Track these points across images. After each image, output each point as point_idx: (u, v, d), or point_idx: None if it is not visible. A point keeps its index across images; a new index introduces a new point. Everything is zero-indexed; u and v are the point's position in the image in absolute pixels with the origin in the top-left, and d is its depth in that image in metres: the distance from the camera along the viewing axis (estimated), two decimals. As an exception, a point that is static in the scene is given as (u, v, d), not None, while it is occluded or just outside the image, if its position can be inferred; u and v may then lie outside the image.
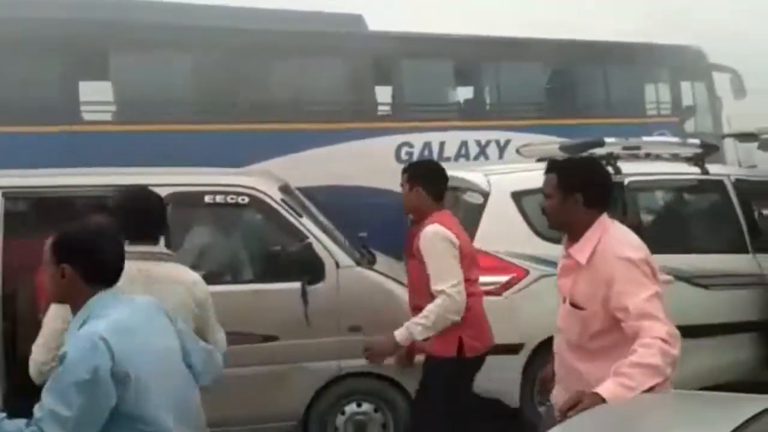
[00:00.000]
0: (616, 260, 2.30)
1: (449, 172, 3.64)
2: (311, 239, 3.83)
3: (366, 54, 8.03)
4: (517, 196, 4.42)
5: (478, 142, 8.38)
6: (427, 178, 3.35)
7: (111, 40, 7.23)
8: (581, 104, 8.94)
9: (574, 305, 2.43)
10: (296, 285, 3.75)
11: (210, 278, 3.67)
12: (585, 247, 2.40)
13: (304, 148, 7.59)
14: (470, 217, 4.45)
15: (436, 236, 3.14)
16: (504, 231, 4.35)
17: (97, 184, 3.91)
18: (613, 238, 2.38)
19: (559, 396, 2.53)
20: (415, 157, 8.08)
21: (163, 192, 3.13)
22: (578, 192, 2.41)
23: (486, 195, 4.44)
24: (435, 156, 8.09)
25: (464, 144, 8.33)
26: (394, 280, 4.24)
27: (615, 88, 9.07)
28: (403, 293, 4.05)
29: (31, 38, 6.82)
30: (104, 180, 3.93)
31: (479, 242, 4.21)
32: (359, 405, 4.06)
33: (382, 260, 4.60)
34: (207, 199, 3.94)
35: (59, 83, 7.06)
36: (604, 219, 2.45)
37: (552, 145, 5.08)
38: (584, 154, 4.33)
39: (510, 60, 8.68)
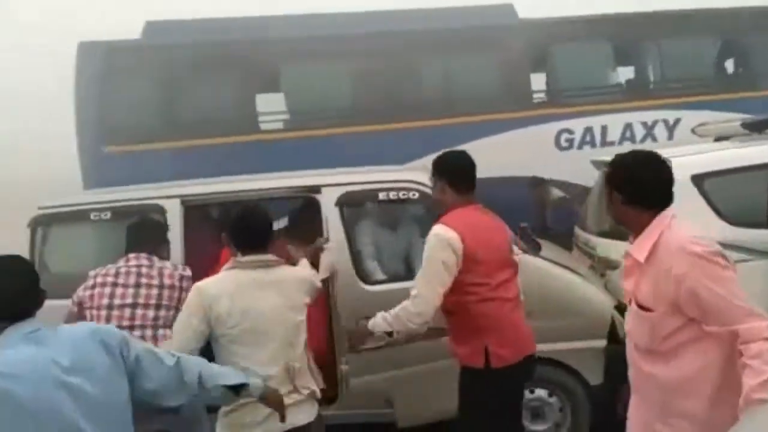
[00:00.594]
0: (685, 256, 2.20)
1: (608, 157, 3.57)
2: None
3: (520, 43, 7.98)
4: (698, 179, 4.24)
5: (644, 124, 8.00)
6: (452, 171, 3.13)
7: (281, 55, 7.77)
8: (756, 76, 8.22)
9: (639, 306, 2.33)
10: None
11: (390, 276, 3.92)
12: (644, 244, 2.31)
13: (462, 142, 7.69)
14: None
15: (434, 237, 2.94)
16: (686, 217, 4.17)
17: (275, 187, 4.26)
18: (677, 235, 2.28)
19: (635, 406, 2.44)
20: (575, 144, 7.92)
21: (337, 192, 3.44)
22: (617, 190, 2.39)
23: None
24: (597, 141, 7.89)
25: (629, 126, 7.98)
26: (562, 266, 4.28)
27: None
28: (571, 278, 4.07)
29: (212, 59, 7.53)
30: (282, 183, 4.30)
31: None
32: (532, 392, 4.13)
33: (549, 247, 4.64)
34: (381, 196, 4.15)
35: (238, 98, 7.71)
36: (665, 216, 2.34)
37: (732, 123, 4.78)
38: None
39: (675, 33, 8.20)
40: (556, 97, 8.20)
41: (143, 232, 3.59)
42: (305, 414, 2.77)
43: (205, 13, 7.96)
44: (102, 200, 4.13)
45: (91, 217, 4.01)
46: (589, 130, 7.98)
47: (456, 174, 3.11)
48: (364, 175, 4.41)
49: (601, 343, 4.07)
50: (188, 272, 3.48)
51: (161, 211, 4.02)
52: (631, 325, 2.41)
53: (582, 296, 4.12)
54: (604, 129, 7.98)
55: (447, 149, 7.87)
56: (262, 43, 7.64)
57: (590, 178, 6.77)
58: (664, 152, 4.89)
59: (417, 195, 4.13)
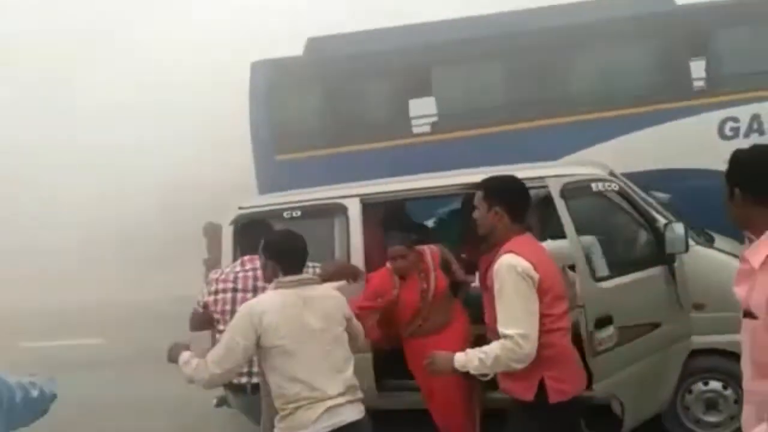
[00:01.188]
0: None
1: None
2: (660, 222, 3.99)
3: (678, 29, 7.73)
4: None
5: (818, 110, 7.45)
6: (511, 198, 2.93)
7: (432, 60, 8.08)
8: None
9: (747, 314, 2.15)
10: (659, 269, 3.93)
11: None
12: (760, 250, 2.11)
13: (619, 135, 7.62)
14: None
15: (510, 270, 2.73)
16: None
17: (445, 185, 4.55)
18: None
19: (745, 416, 2.27)
20: (741, 133, 7.55)
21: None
22: (740, 187, 2.17)
23: None
24: (766, 129, 7.47)
25: (800, 113, 7.47)
26: (736, 257, 4.19)
27: None
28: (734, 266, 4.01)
29: (367, 69, 8.01)
30: (452, 181, 4.58)
31: None
32: (706, 383, 4.13)
33: (721, 240, 4.56)
34: (594, 187, 4.09)
35: (392, 104, 8.15)
36: None
37: None
38: None
39: None
40: (718, 84, 7.84)
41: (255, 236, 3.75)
42: (353, 412, 2.97)
43: (361, 25, 8.44)
44: (293, 200, 4.65)
45: (284, 215, 4.54)
46: (756, 117, 7.56)
47: (516, 201, 2.94)
48: (549, 169, 4.38)
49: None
50: None
51: (343, 209, 4.47)
52: (742, 334, 2.25)
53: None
54: (773, 116, 7.52)
55: (602, 144, 7.84)
56: (413, 49, 8.00)
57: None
58: None
59: (617, 187, 4.14)
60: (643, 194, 4.27)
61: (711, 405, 4.12)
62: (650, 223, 4.03)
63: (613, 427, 3.87)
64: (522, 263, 2.74)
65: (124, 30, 12.38)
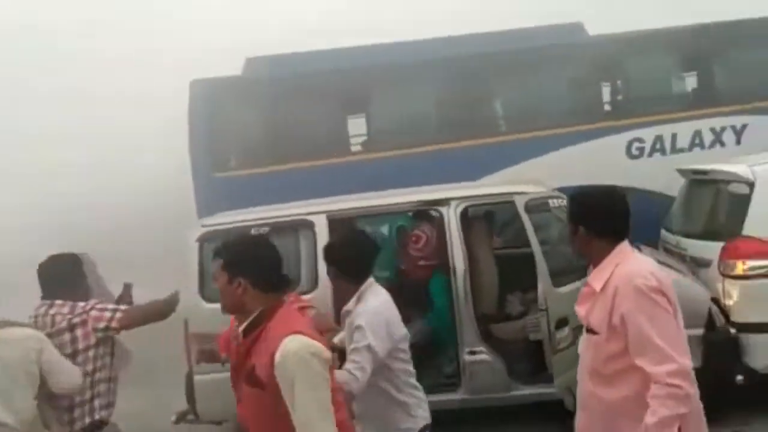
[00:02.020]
0: (628, 288, 2.34)
1: (710, 166, 4.01)
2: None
3: (590, 59, 8.46)
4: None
5: (713, 130, 8.35)
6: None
7: (366, 81, 8.43)
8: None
9: (590, 330, 2.49)
10: None
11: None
12: (602, 275, 2.45)
13: (537, 155, 8.21)
14: (735, 208, 4.84)
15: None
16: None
17: (407, 201, 4.90)
18: (628, 267, 2.41)
19: (582, 423, 2.58)
20: (646, 152, 8.33)
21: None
22: (582, 223, 2.52)
23: (751, 185, 4.77)
24: (667, 149, 8.28)
25: (698, 133, 8.35)
26: (665, 264, 4.81)
27: None
28: (673, 275, 4.60)
29: (305, 89, 8.26)
30: (412, 198, 4.92)
31: (748, 230, 4.63)
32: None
33: (646, 250, 5.15)
34: (551, 203, 4.65)
35: (329, 123, 8.42)
36: (624, 247, 2.49)
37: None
38: None
39: (738, 42, 8.55)
40: (625, 108, 8.63)
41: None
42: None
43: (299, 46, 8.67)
44: (258, 217, 4.84)
45: (252, 232, 4.71)
46: (659, 138, 8.36)
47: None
48: (491, 188, 4.96)
49: (700, 331, 4.58)
50: None
51: (310, 225, 4.71)
52: (582, 347, 2.57)
53: (681, 290, 4.61)
54: (674, 137, 8.36)
55: (520, 164, 8.41)
56: (349, 71, 8.32)
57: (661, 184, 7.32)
58: (748, 159, 5.39)
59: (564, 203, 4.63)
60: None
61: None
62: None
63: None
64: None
65: (63, 40, 11.99)
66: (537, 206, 4.55)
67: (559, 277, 4.27)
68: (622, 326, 2.34)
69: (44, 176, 11.94)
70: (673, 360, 2.26)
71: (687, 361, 2.31)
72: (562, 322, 4.09)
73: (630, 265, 2.42)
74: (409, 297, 4.67)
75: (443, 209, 4.72)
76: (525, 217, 4.34)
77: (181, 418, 4.96)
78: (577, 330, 4.17)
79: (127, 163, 11.65)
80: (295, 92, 8.28)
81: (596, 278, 2.47)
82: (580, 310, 2.55)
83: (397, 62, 8.25)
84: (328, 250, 3.18)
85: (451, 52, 8.39)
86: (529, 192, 4.56)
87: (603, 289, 2.42)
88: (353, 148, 8.67)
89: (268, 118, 8.43)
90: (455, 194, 4.79)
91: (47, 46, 11.84)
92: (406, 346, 3.03)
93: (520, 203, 4.40)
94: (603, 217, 2.52)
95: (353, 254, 3.05)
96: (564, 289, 4.25)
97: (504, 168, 8.00)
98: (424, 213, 5.24)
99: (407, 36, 8.68)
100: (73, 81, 11.64)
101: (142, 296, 3.87)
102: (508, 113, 8.82)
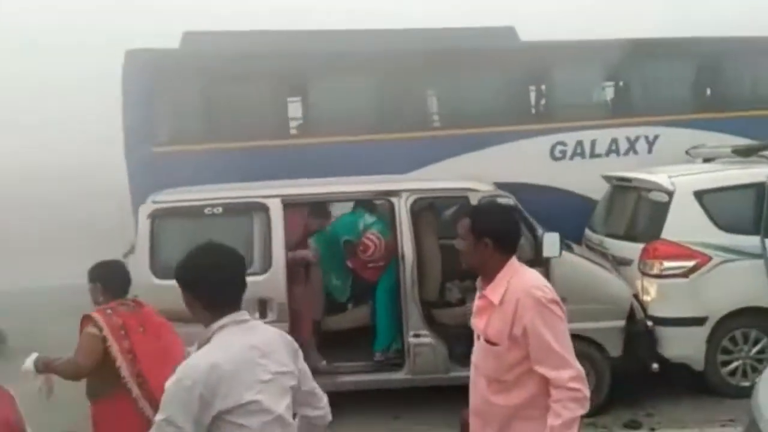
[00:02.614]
0: (528, 300, 2.46)
1: (633, 174, 4.42)
2: (539, 231, 4.86)
3: (520, 63, 8.88)
4: (699, 194, 5.26)
5: (628, 138, 8.97)
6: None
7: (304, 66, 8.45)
8: (727, 98, 9.29)
9: (488, 342, 2.57)
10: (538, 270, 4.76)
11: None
12: (498, 288, 2.54)
13: (465, 152, 8.54)
14: (655, 214, 5.34)
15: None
16: (688, 224, 5.21)
17: (359, 191, 5.08)
18: (523, 280, 2.54)
19: (475, 427, 2.69)
20: (568, 155, 8.85)
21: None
22: (488, 237, 2.57)
23: (671, 194, 5.28)
24: (587, 153, 8.84)
25: (614, 141, 8.96)
26: (593, 261, 5.25)
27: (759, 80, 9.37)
28: (600, 271, 5.03)
29: (244, 69, 8.21)
30: (366, 187, 5.10)
31: (666, 234, 5.14)
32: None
33: (577, 248, 5.58)
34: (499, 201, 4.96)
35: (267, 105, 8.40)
36: (514, 261, 2.60)
37: (723, 147, 5.82)
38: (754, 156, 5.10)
39: (655, 59, 9.18)
40: (551, 113, 9.13)
41: None
42: None
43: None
44: (211, 197, 4.87)
45: (206, 212, 4.74)
46: (580, 143, 8.91)
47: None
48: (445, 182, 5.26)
49: (622, 323, 5.07)
50: None
51: (265, 208, 4.79)
52: (479, 358, 2.64)
53: (607, 286, 5.08)
54: (593, 142, 8.93)
55: (451, 158, 8.73)
56: (288, 55, 8.33)
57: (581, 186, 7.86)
58: (668, 170, 5.93)
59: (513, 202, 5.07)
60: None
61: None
62: (532, 231, 4.90)
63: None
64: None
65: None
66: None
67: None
68: (524, 336, 2.44)
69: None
70: (571, 366, 2.43)
71: (581, 367, 2.48)
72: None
73: (524, 278, 2.55)
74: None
75: (395, 200, 4.93)
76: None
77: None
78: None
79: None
80: (233, 71, 8.18)
81: (493, 292, 2.54)
82: (479, 323, 2.62)
83: (336, 50, 8.32)
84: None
85: (389, 46, 8.57)
86: (480, 189, 4.85)
87: (501, 302, 2.51)
88: (291, 132, 8.68)
89: (205, 94, 8.29)
90: (408, 186, 5.01)
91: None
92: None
93: (474, 199, 4.68)
94: (509, 232, 2.63)
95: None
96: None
97: (433, 162, 8.26)
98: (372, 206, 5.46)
99: (351, 25, 8.79)
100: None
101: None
102: (440, 110, 9.11)
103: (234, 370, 2.02)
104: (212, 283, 2.11)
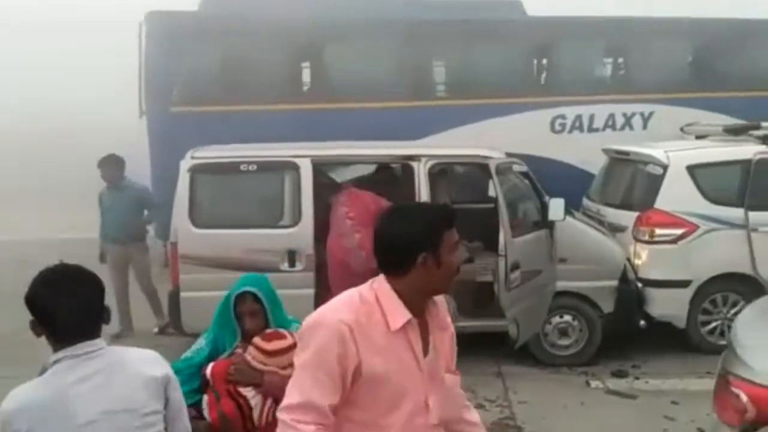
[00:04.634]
0: None
1: (631, 148, 4.92)
2: (545, 197, 5.33)
3: (525, 37, 9.22)
4: (691, 169, 5.75)
5: (624, 114, 9.37)
6: None
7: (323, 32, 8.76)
8: (721, 78, 9.66)
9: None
10: (544, 232, 5.28)
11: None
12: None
13: (469, 122, 8.89)
14: (650, 185, 5.83)
15: None
16: (679, 195, 5.70)
17: (385, 154, 5.49)
18: None
19: None
20: (567, 128, 9.26)
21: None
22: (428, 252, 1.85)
23: (665, 167, 5.76)
24: (585, 127, 9.24)
25: (612, 116, 9.36)
26: (591, 226, 5.77)
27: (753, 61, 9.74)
28: (597, 235, 5.52)
29: (260, 32, 8.49)
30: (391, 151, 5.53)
31: (660, 204, 5.64)
32: (561, 316, 5.65)
33: (577, 215, 6.07)
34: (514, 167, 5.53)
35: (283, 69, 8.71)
36: None
37: (715, 126, 6.29)
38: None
39: (653, 37, 9.50)
40: (553, 87, 9.50)
41: None
42: None
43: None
44: (246, 155, 5.27)
45: (241, 168, 5.16)
46: (579, 117, 9.30)
47: None
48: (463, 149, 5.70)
49: (615, 283, 5.59)
50: None
51: (296, 167, 5.21)
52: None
53: (604, 249, 5.60)
54: (591, 117, 9.32)
55: (459, 128, 9.09)
56: (306, 20, 8.60)
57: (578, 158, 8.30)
58: (663, 146, 6.36)
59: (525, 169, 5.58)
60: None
61: (563, 332, 5.61)
62: (539, 197, 5.37)
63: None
64: None
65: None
66: (504, 170, 5.30)
67: (513, 229, 5.09)
68: None
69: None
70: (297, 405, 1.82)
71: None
72: (514, 266, 4.92)
73: None
74: None
75: (414, 164, 5.36)
76: (495, 179, 5.07)
77: (162, 330, 5.44)
78: (525, 273, 5.02)
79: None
80: (250, 33, 8.45)
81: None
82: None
83: (349, 17, 8.59)
84: None
85: (400, 15, 8.85)
86: (494, 157, 5.30)
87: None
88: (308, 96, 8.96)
89: (221, 57, 8.58)
90: (427, 152, 5.44)
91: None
92: None
93: (492, 166, 5.13)
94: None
95: None
96: (518, 240, 5.07)
97: (438, 132, 8.62)
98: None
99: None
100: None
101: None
102: (447, 80, 9.47)
103: (43, 415, 1.79)
104: (52, 311, 1.85)
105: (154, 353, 2.06)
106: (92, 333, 1.90)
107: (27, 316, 1.89)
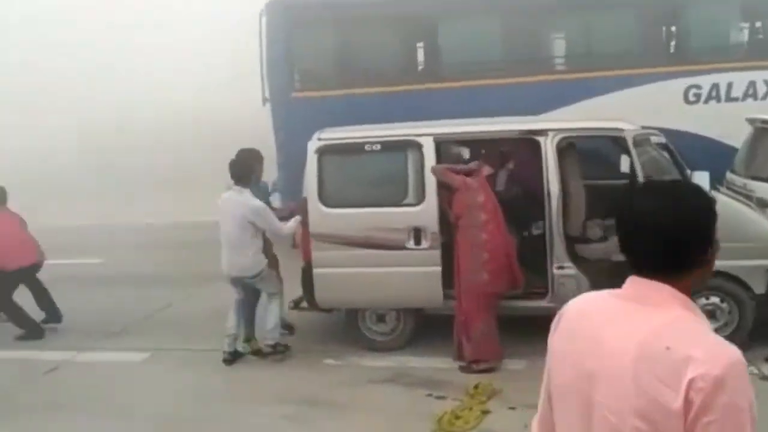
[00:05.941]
0: None
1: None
2: (687, 170, 4.96)
3: (653, 2, 8.65)
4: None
5: (766, 82, 8.60)
6: None
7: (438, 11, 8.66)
8: None
9: None
10: None
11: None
12: None
13: (598, 95, 8.51)
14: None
15: None
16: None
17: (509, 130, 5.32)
18: None
19: None
20: (702, 99, 8.61)
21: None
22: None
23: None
24: (722, 97, 8.57)
25: (752, 84, 8.61)
26: (740, 202, 5.31)
27: None
28: (747, 211, 5.07)
29: (377, 15, 8.50)
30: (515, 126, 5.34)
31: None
32: (707, 298, 5.22)
33: (722, 189, 5.62)
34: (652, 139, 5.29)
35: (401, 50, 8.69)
36: None
37: None
38: None
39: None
40: (686, 55, 8.86)
41: None
42: None
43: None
44: (370, 135, 5.29)
45: (366, 148, 5.18)
46: (715, 86, 8.62)
47: None
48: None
49: (766, 262, 5.09)
50: None
51: (419, 146, 5.16)
52: None
53: (754, 225, 5.13)
54: (729, 86, 8.61)
55: (587, 100, 8.70)
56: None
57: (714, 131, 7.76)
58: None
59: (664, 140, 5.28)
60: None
61: (711, 315, 5.20)
62: (681, 169, 5.00)
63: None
64: None
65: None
66: (641, 142, 4.98)
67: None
68: None
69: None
70: None
71: None
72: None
73: None
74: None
75: (541, 139, 5.15)
76: (633, 152, 4.78)
77: (296, 305, 5.61)
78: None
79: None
80: (366, 19, 8.52)
81: None
82: None
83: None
84: None
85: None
86: (628, 129, 4.98)
87: None
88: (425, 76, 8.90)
89: (339, 43, 8.73)
90: (554, 126, 5.21)
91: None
92: None
93: (629, 138, 4.84)
94: None
95: None
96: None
97: (565, 105, 8.30)
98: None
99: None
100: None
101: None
102: (573, 52, 9.06)
103: None
104: None
105: None
106: None
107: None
